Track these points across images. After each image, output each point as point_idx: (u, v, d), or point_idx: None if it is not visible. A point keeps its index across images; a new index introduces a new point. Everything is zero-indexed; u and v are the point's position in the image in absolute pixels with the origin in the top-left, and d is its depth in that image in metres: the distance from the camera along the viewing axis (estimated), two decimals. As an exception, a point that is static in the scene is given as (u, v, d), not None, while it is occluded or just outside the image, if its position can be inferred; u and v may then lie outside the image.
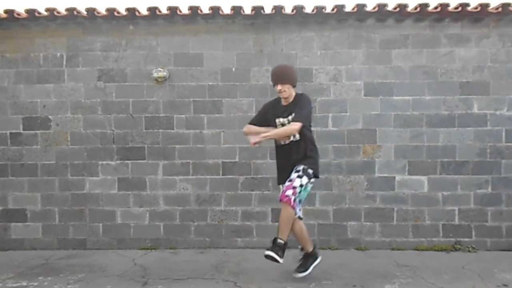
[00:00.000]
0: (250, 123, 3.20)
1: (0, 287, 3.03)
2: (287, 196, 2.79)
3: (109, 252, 3.93)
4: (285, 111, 3.01)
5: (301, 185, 2.84)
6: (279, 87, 2.93)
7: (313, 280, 3.09)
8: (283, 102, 3.04)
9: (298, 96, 3.01)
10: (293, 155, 2.98)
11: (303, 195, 2.95)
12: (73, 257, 3.80)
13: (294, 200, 2.81)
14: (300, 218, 3.06)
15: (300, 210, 3.04)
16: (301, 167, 2.90)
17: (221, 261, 3.57)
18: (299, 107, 2.91)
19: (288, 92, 2.95)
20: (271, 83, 3.95)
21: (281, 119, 3.02)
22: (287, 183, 2.87)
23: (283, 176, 3.02)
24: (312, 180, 2.98)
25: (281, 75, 2.93)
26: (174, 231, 4.05)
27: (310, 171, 2.94)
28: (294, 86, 3.01)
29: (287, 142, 3.02)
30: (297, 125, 2.86)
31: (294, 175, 2.88)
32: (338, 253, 3.89)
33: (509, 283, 3.02)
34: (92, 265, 3.54)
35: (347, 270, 3.35)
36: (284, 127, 2.94)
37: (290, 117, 2.95)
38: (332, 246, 4.02)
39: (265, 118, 3.12)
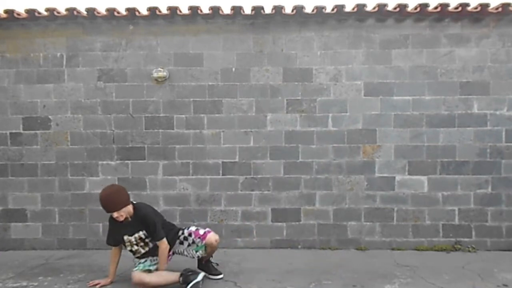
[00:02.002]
0: (108, 243, 3.07)
1: (0, 287, 3.03)
2: (204, 233, 3.08)
3: (109, 252, 3.90)
4: (129, 229, 2.91)
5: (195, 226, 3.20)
6: (115, 214, 2.81)
7: (313, 280, 3.10)
8: (125, 220, 2.91)
9: (138, 211, 2.90)
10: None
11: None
12: (73, 257, 3.80)
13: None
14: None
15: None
16: (180, 233, 3.14)
17: (221, 261, 3.56)
18: (148, 226, 2.87)
19: (125, 215, 2.85)
20: (271, 82, 4.01)
21: (127, 237, 2.92)
22: (194, 235, 3.09)
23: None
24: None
25: (112, 205, 2.79)
26: (174, 231, 4.05)
27: (184, 227, 3.20)
28: (128, 204, 2.88)
29: (146, 249, 2.98)
30: (164, 244, 2.92)
31: (186, 232, 3.13)
32: (338, 253, 3.90)
33: (509, 283, 3.02)
34: (92, 265, 3.54)
35: (347, 270, 3.35)
36: (161, 257, 2.92)
37: (137, 234, 2.91)
38: (332, 246, 4.02)
39: (116, 235, 2.99)
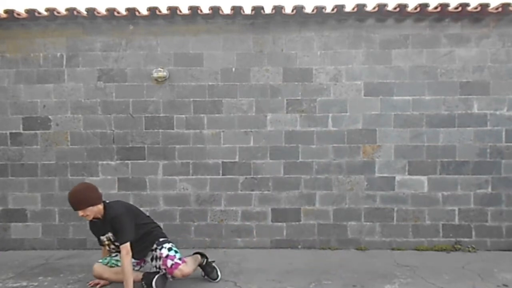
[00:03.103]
0: (101, 244, 2.99)
1: (0, 287, 3.03)
2: (172, 266, 2.85)
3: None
4: (102, 228, 2.87)
5: (169, 249, 2.93)
6: (80, 213, 2.70)
7: (313, 280, 3.10)
8: (99, 219, 2.85)
9: (108, 211, 2.80)
10: (140, 253, 2.97)
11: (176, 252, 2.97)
12: (73, 257, 3.80)
13: (179, 259, 2.91)
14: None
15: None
16: (154, 246, 2.96)
17: (221, 261, 3.56)
18: (114, 227, 2.77)
19: (92, 214, 2.75)
20: (271, 82, 4.01)
21: (102, 237, 2.90)
22: (162, 262, 2.89)
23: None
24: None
25: (77, 203, 2.68)
26: (174, 231, 4.04)
27: (162, 239, 3.01)
28: (97, 204, 2.76)
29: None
30: (125, 250, 2.69)
31: (158, 253, 2.92)
32: (338, 253, 3.90)
33: (509, 283, 3.02)
34: (92, 265, 3.52)
35: (347, 270, 3.35)
36: (124, 268, 2.68)
37: (107, 235, 2.86)
38: (332, 246, 4.02)
39: (95, 235, 2.97)
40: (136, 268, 3.04)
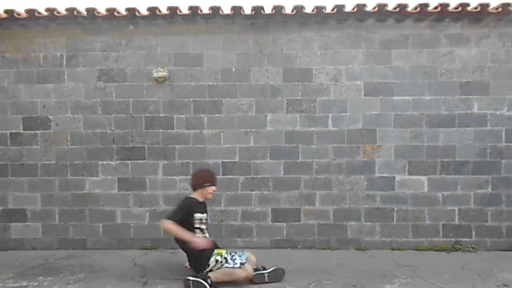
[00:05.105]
0: (174, 219, 3.03)
1: (0, 287, 3.03)
2: None
3: (109, 252, 3.93)
4: (205, 207, 3.28)
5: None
6: (214, 188, 3.27)
7: (313, 280, 3.10)
8: (201, 200, 3.23)
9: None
10: None
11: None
12: (73, 257, 3.80)
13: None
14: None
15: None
16: None
17: (221, 261, 3.56)
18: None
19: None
20: (271, 82, 4.01)
21: (200, 215, 3.14)
22: None
23: None
24: None
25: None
26: (174, 231, 4.05)
27: None
28: None
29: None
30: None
31: None
32: (338, 253, 3.90)
33: (509, 283, 3.02)
34: (92, 265, 3.54)
35: (347, 270, 3.35)
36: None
37: (205, 214, 3.24)
38: (332, 246, 4.02)
39: (184, 215, 3.09)
40: None
